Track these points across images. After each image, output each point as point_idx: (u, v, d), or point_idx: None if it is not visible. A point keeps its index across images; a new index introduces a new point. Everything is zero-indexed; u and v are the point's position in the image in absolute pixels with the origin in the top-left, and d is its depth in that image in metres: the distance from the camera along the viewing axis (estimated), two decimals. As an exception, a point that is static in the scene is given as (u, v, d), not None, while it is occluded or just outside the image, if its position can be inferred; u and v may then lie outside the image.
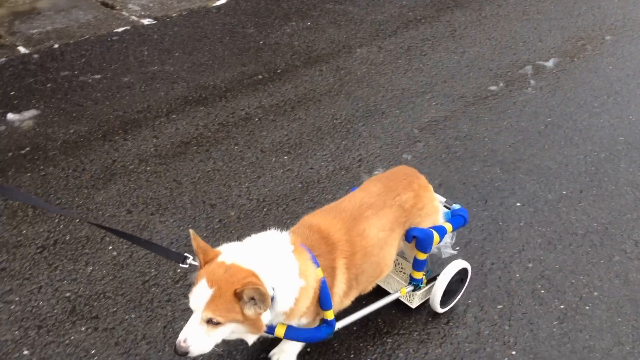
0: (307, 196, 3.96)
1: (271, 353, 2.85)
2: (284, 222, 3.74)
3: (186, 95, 5.01)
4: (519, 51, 5.99)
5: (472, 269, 3.29)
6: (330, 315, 2.60)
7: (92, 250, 3.45)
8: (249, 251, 2.41)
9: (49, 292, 3.18)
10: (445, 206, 3.16)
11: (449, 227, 2.97)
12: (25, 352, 2.88)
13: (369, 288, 2.87)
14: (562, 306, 3.24)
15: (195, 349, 2.28)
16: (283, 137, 4.54)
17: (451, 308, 3.21)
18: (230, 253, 2.38)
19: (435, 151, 4.46)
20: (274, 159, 4.31)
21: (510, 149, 4.52)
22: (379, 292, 3.09)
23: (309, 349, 2.97)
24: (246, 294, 2.21)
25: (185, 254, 2.57)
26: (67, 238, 3.53)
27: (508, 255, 3.57)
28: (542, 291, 3.33)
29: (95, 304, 3.13)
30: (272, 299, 2.34)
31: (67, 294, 3.17)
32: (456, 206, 3.11)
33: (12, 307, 3.09)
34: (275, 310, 2.40)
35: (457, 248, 3.36)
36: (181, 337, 2.27)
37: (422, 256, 2.91)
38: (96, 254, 3.43)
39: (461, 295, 3.25)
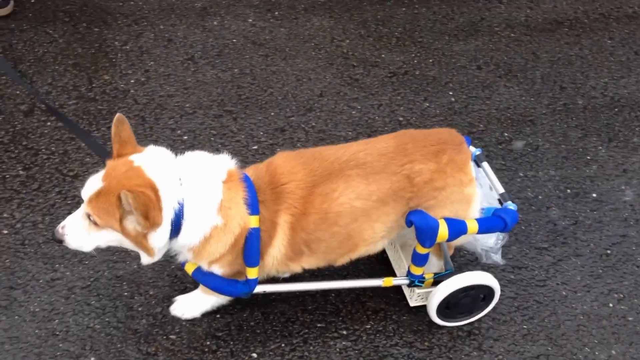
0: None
1: (175, 299, 2.52)
2: (634, 129, 3.45)
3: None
4: None
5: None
6: (252, 273, 2.20)
7: (434, 91, 3.63)
8: (167, 162, 2.05)
9: (385, 111, 3.48)
10: (499, 200, 2.41)
11: (472, 226, 2.25)
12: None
13: (340, 261, 2.35)
14: None
15: (71, 242, 2.06)
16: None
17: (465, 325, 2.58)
18: (148, 157, 2.04)
19: None
20: (647, 63, 3.90)
21: None
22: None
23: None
24: (124, 202, 1.87)
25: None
26: (417, 73, 3.75)
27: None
28: None
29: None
30: (177, 227, 2.02)
31: (400, 119, 3.44)
32: (510, 205, 2.32)
33: (353, 112, 3.47)
34: (178, 242, 2.08)
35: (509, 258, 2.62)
36: (62, 223, 2.06)
37: (420, 249, 2.29)
38: (436, 95, 3.60)
39: (483, 315, 2.59)
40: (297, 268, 2.32)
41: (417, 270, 2.40)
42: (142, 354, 2.38)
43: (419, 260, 2.34)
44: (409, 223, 2.22)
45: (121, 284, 2.59)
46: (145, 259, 2.10)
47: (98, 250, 2.10)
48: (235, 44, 3.83)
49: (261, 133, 3.27)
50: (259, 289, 2.33)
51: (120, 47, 3.72)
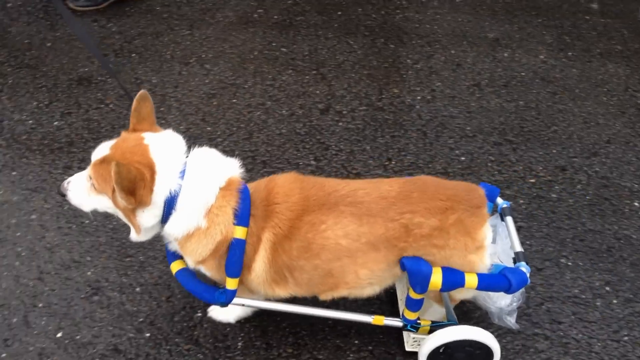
0: None
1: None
2: None
3: None
4: None
5: None
6: (231, 284, 2.15)
7: None
8: (176, 150, 2.05)
9: None
10: (513, 259, 2.20)
11: (471, 281, 2.06)
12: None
13: (324, 297, 2.23)
14: None
15: (73, 198, 2.13)
16: None
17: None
18: (160, 139, 2.05)
19: None
20: None
21: None
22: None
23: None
24: (113, 176, 1.85)
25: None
26: None
27: None
28: None
29: None
30: (167, 215, 2.02)
31: None
32: (523, 267, 2.12)
33: (643, 165, 3.26)
34: (165, 229, 2.08)
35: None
36: (69, 179, 2.14)
37: (413, 294, 2.12)
38: None
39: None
40: (283, 294, 2.26)
41: (410, 315, 2.26)
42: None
43: (412, 305, 2.20)
44: (402, 265, 2.08)
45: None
46: (133, 235, 2.13)
47: (95, 213, 2.18)
48: (524, 77, 3.82)
49: (540, 168, 3.22)
50: (237, 301, 2.30)
51: (412, 65, 3.92)
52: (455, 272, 2.08)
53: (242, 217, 2.09)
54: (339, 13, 4.36)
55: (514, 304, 2.36)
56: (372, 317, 2.32)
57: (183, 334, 2.48)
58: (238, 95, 3.65)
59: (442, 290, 2.09)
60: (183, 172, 2.03)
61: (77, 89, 3.60)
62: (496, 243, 2.32)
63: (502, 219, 2.37)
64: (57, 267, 2.72)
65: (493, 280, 2.09)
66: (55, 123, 3.38)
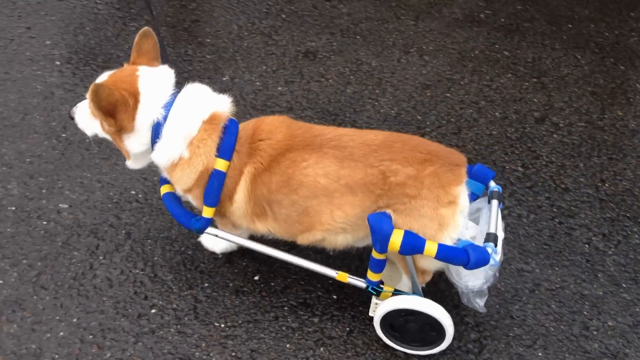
0: None
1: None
2: None
3: None
4: None
5: None
6: (207, 212, 2.31)
7: None
8: (165, 84, 2.23)
9: None
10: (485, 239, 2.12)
11: (430, 248, 2.03)
12: None
13: (301, 239, 2.31)
14: None
15: (79, 122, 2.34)
16: None
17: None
18: (154, 73, 2.23)
19: None
20: None
21: None
22: None
23: None
24: (89, 98, 2.08)
25: None
26: None
27: None
28: None
29: None
30: (153, 143, 2.21)
31: None
32: (489, 247, 2.06)
33: None
34: (152, 157, 2.26)
35: None
36: (79, 104, 2.34)
37: (375, 254, 2.15)
38: None
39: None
40: (263, 229, 2.34)
41: (372, 276, 2.27)
42: None
43: (374, 265, 2.22)
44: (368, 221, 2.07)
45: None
46: (128, 163, 2.36)
47: (97, 141, 2.45)
48: None
49: None
50: (211, 231, 2.41)
51: (642, 90, 3.67)
52: (416, 237, 2.06)
53: (224, 150, 2.21)
54: (570, 26, 4.18)
55: (486, 284, 2.20)
56: (337, 272, 2.36)
57: (367, 303, 2.55)
58: (452, 90, 3.65)
59: (400, 252, 2.06)
60: (170, 105, 2.19)
61: (303, 60, 3.82)
62: (479, 225, 2.27)
63: (489, 202, 2.31)
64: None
65: (452, 252, 2.06)
66: (279, 88, 3.61)
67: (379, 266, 2.22)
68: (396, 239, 2.05)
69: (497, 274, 2.21)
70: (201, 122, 2.21)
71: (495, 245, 2.12)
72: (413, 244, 2.05)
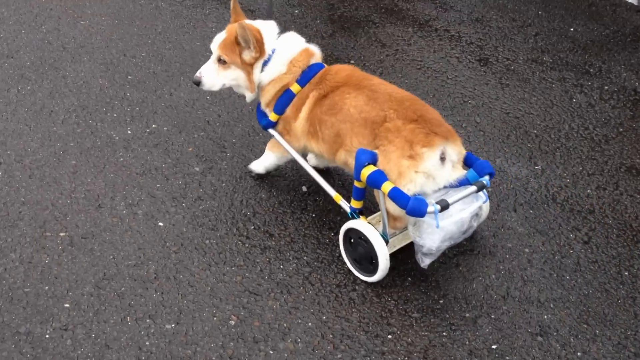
0: None
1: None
2: None
3: None
4: None
5: None
6: (273, 116, 3.14)
7: None
8: (269, 26, 3.10)
9: None
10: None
11: (386, 186, 2.60)
12: None
13: (338, 158, 2.95)
14: None
15: (206, 82, 3.10)
16: None
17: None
18: (255, 22, 3.08)
19: None
20: None
21: None
22: None
23: None
24: (239, 34, 2.92)
25: None
26: None
27: None
28: None
29: None
30: (269, 59, 3.05)
31: None
32: (432, 205, 2.57)
33: None
34: (260, 76, 3.07)
35: None
36: (198, 71, 3.10)
37: (356, 183, 2.77)
38: None
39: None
40: (315, 148, 3.05)
41: (353, 203, 2.89)
42: None
43: (355, 193, 2.84)
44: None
45: None
46: (249, 96, 3.19)
47: (223, 89, 3.17)
48: None
49: None
50: (272, 132, 3.22)
51: None
52: (381, 174, 2.61)
53: (301, 79, 3.02)
54: None
55: (432, 247, 2.65)
56: (335, 193, 3.03)
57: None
58: None
59: (366, 183, 2.64)
60: (277, 38, 3.08)
61: (624, 174, 3.69)
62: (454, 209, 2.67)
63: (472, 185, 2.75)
64: (522, 298, 2.92)
65: (398, 194, 2.56)
66: (588, 191, 3.55)
67: (359, 194, 2.82)
68: (365, 171, 2.62)
69: (450, 244, 2.69)
70: (299, 49, 3.06)
71: (441, 210, 2.56)
72: (375, 179, 2.60)
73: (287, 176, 3.58)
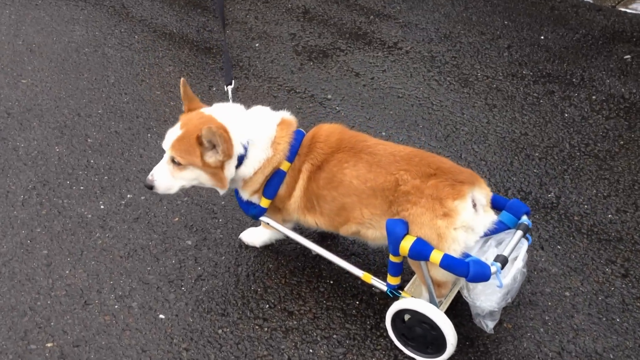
0: None
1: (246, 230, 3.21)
2: None
3: None
4: None
5: None
6: (264, 202, 2.74)
7: None
8: (232, 111, 2.64)
9: None
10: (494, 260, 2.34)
11: (435, 256, 2.29)
12: None
13: (342, 231, 2.68)
14: None
15: (160, 185, 2.60)
16: None
17: None
18: (217, 108, 2.64)
19: None
20: None
21: None
22: None
23: None
24: (204, 137, 2.43)
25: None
26: None
27: None
28: None
29: None
30: (242, 158, 2.59)
31: None
32: (493, 265, 2.28)
33: None
34: (239, 173, 2.63)
35: None
36: (150, 173, 2.60)
37: (392, 257, 2.44)
38: None
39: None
40: (312, 222, 2.73)
41: (390, 279, 2.54)
42: None
43: (392, 268, 2.49)
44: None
45: None
46: (221, 191, 2.68)
47: (183, 191, 2.70)
48: None
49: None
50: (264, 219, 2.85)
51: None
52: (424, 244, 2.31)
53: (292, 153, 2.64)
54: None
55: (500, 304, 2.40)
56: (363, 273, 2.65)
57: None
58: None
59: (409, 256, 2.33)
60: (246, 125, 2.61)
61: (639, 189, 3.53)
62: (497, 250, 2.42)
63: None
64: (579, 351, 2.67)
65: (455, 262, 2.26)
66: (609, 216, 3.36)
67: (396, 269, 2.50)
68: (405, 244, 2.33)
69: (510, 299, 2.40)
70: (275, 123, 2.67)
71: (502, 267, 2.28)
72: (420, 250, 2.31)
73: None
